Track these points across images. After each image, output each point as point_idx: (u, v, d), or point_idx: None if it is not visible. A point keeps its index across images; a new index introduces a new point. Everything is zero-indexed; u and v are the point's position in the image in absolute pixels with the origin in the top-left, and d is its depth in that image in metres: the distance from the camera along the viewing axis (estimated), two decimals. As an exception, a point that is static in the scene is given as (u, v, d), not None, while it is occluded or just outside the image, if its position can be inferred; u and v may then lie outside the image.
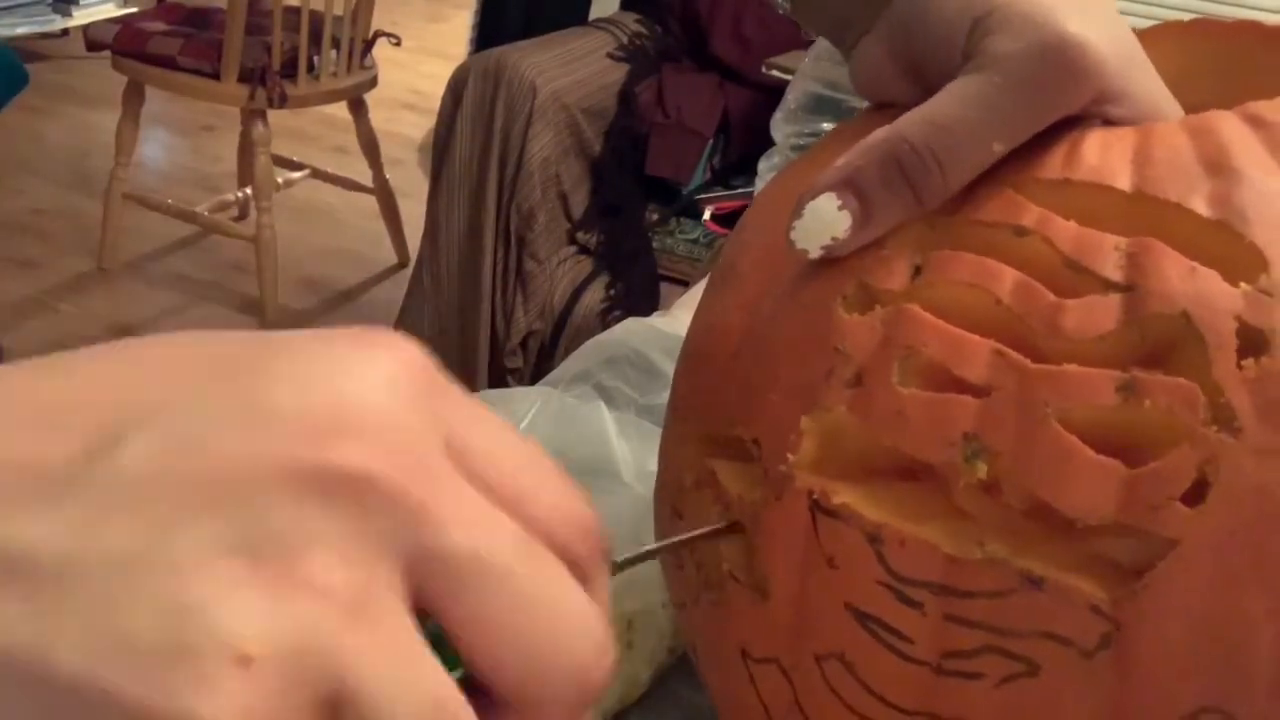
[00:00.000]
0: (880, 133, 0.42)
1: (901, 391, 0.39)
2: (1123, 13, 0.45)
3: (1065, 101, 0.42)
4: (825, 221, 0.42)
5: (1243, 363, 0.35)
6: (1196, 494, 0.35)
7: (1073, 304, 0.38)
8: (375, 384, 0.26)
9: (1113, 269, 0.38)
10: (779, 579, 0.42)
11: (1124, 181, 0.40)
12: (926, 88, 0.43)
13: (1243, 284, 0.36)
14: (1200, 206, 0.38)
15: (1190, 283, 0.37)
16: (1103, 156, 0.41)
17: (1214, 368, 0.35)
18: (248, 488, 0.24)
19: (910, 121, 0.42)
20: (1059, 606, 0.36)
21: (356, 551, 0.24)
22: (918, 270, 0.41)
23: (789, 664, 0.43)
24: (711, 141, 2.72)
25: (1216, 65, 0.55)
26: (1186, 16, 0.59)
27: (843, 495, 0.40)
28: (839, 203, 0.42)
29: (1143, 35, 0.54)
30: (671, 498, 0.49)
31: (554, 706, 0.26)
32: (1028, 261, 0.39)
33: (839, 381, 0.41)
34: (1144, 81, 0.45)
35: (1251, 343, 0.36)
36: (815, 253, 0.43)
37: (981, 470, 0.37)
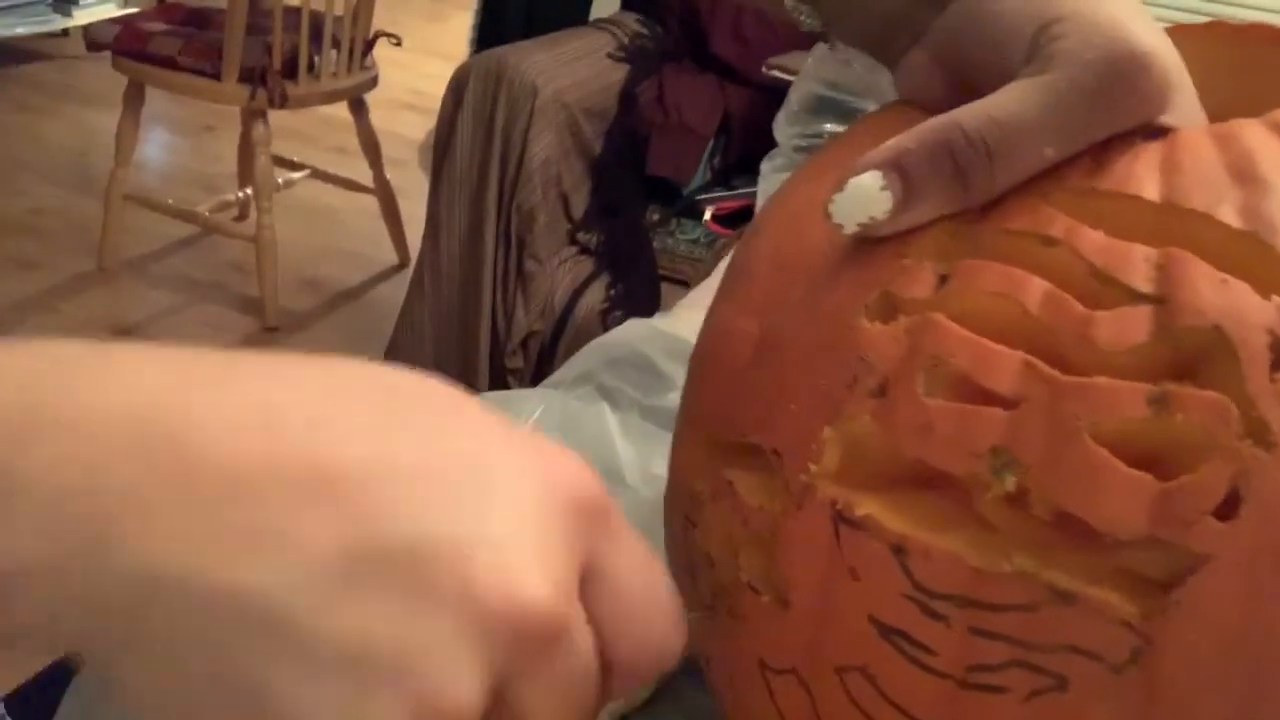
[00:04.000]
0: (936, 120, 0.42)
1: (928, 403, 0.39)
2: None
3: (1129, 115, 0.41)
4: (866, 198, 0.41)
5: (1276, 376, 0.35)
6: (1229, 508, 0.35)
7: (1103, 315, 0.37)
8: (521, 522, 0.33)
9: (1142, 280, 0.37)
10: (800, 590, 0.42)
11: (1152, 191, 0.40)
12: (976, 94, 0.42)
13: (1275, 296, 0.36)
14: (1229, 217, 0.38)
15: (1221, 295, 0.36)
16: (1130, 165, 0.41)
17: (1247, 381, 0.35)
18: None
19: (968, 112, 0.41)
20: (1088, 621, 0.36)
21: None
22: (943, 279, 0.40)
23: (809, 676, 0.43)
24: (712, 142, 2.72)
25: (1231, 68, 0.54)
26: (1196, 18, 0.58)
27: (866, 506, 0.40)
28: (883, 182, 0.41)
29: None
30: (685, 507, 0.49)
31: None
32: (1055, 272, 0.39)
33: (863, 391, 0.40)
34: (1187, 97, 0.44)
35: (1285, 356, 0.35)
36: (850, 229, 0.42)
37: (1010, 483, 0.37)
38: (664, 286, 2.63)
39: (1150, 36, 0.41)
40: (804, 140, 1.69)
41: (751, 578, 0.44)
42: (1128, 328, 0.37)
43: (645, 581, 0.36)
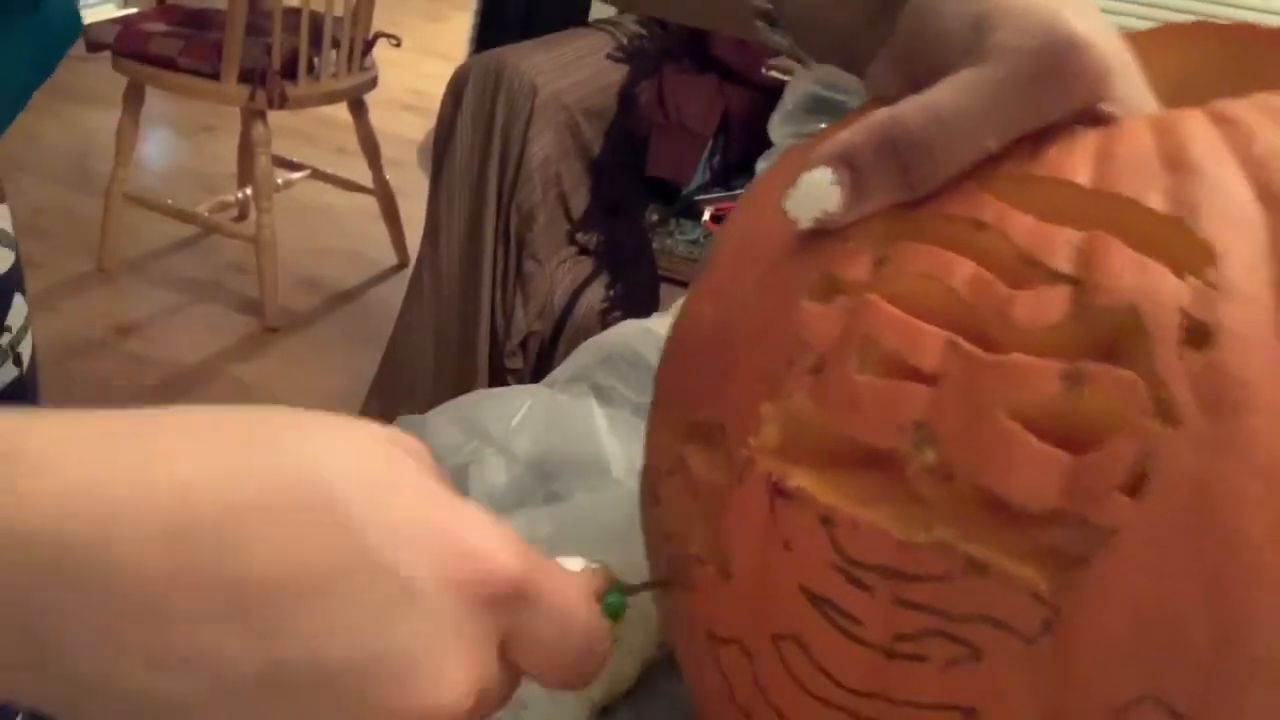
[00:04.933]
0: (881, 113, 0.43)
1: (857, 379, 0.40)
2: (1118, 13, 0.45)
3: (1066, 101, 0.42)
4: (818, 193, 0.43)
5: (1185, 355, 0.36)
6: (1137, 485, 0.35)
7: (1022, 295, 0.38)
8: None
9: (1063, 262, 0.38)
10: (740, 560, 0.43)
11: (1084, 177, 0.40)
12: None
13: (1190, 277, 0.37)
14: (1156, 202, 0.39)
15: (1138, 276, 0.37)
16: (1066, 152, 0.41)
17: (1156, 360, 0.36)
18: None
19: (910, 105, 0.42)
20: (1000, 592, 0.37)
21: None
22: (881, 262, 0.42)
23: (751, 645, 0.44)
24: (711, 142, 2.72)
25: (1217, 68, 0.55)
26: (1183, 17, 0.59)
27: (799, 478, 0.41)
28: (833, 177, 0.42)
29: (1142, 37, 0.55)
30: (650, 483, 0.50)
31: None
32: (985, 255, 0.40)
33: (800, 369, 0.41)
34: (1132, 83, 0.45)
35: (1196, 336, 0.36)
36: (806, 223, 0.43)
37: (930, 456, 0.38)
38: (663, 287, 2.63)
39: (1085, 23, 0.41)
40: (800, 140, 1.69)
41: (700, 550, 0.45)
42: (1045, 307, 0.38)
43: (562, 630, 0.39)
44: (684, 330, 0.50)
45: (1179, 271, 0.37)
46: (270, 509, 0.33)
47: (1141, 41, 0.47)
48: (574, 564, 0.43)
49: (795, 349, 0.42)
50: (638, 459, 0.83)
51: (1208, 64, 0.55)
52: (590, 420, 0.84)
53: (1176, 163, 0.40)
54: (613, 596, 0.43)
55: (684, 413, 0.48)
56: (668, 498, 0.48)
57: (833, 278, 0.42)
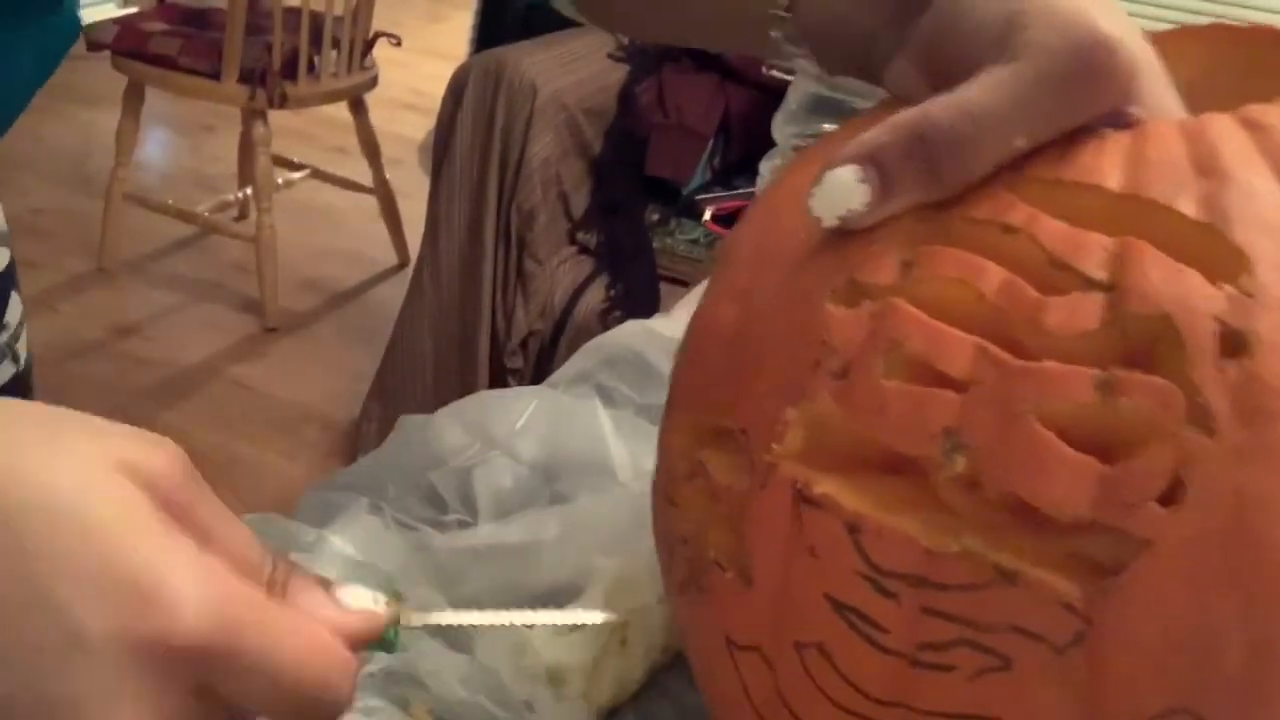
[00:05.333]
0: (908, 112, 0.42)
1: (884, 385, 0.39)
2: (1134, 14, 0.45)
3: (1096, 101, 0.42)
4: (844, 191, 0.42)
5: (1222, 364, 0.35)
6: (1173, 495, 0.35)
7: (1055, 301, 0.38)
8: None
9: (1096, 268, 0.38)
10: (762, 567, 0.43)
11: (1114, 182, 0.40)
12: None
13: (1224, 285, 0.36)
14: (1188, 208, 0.38)
15: (1173, 283, 0.37)
16: (1096, 156, 0.41)
17: (1192, 368, 0.35)
18: None
19: (939, 104, 0.42)
20: (1031, 602, 0.36)
21: None
22: (908, 266, 0.41)
23: (771, 652, 0.44)
24: (712, 142, 2.72)
25: (1234, 70, 0.54)
26: (1197, 19, 0.58)
27: (825, 485, 0.41)
28: (860, 175, 0.42)
29: (1160, 39, 0.54)
30: (665, 487, 0.50)
31: None
32: (1015, 259, 0.39)
33: (825, 374, 0.41)
34: (1158, 86, 0.45)
35: (1231, 344, 0.36)
36: (830, 221, 0.43)
37: (960, 464, 0.38)
38: (663, 286, 2.63)
39: (1114, 24, 0.41)
40: (803, 140, 1.69)
41: (719, 555, 0.45)
42: (1079, 313, 0.37)
43: (272, 681, 0.36)
44: (702, 333, 0.50)
45: (1213, 279, 0.37)
46: None
47: (1157, 43, 0.47)
48: (358, 597, 0.40)
49: (820, 353, 0.41)
50: (644, 462, 0.84)
51: (1224, 66, 0.55)
52: (596, 421, 0.83)
53: (1208, 168, 0.39)
54: (389, 633, 0.41)
55: (704, 416, 0.47)
56: (685, 502, 0.48)
57: (858, 282, 0.42)
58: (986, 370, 0.38)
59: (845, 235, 0.43)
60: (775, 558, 0.42)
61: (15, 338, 0.75)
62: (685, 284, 2.18)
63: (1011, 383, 0.37)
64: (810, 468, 0.41)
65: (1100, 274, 0.38)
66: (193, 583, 0.34)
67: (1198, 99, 0.47)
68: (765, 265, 0.47)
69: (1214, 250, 0.37)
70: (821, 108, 1.74)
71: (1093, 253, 0.38)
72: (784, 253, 0.46)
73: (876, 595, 0.39)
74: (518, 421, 0.83)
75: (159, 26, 3.01)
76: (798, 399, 0.42)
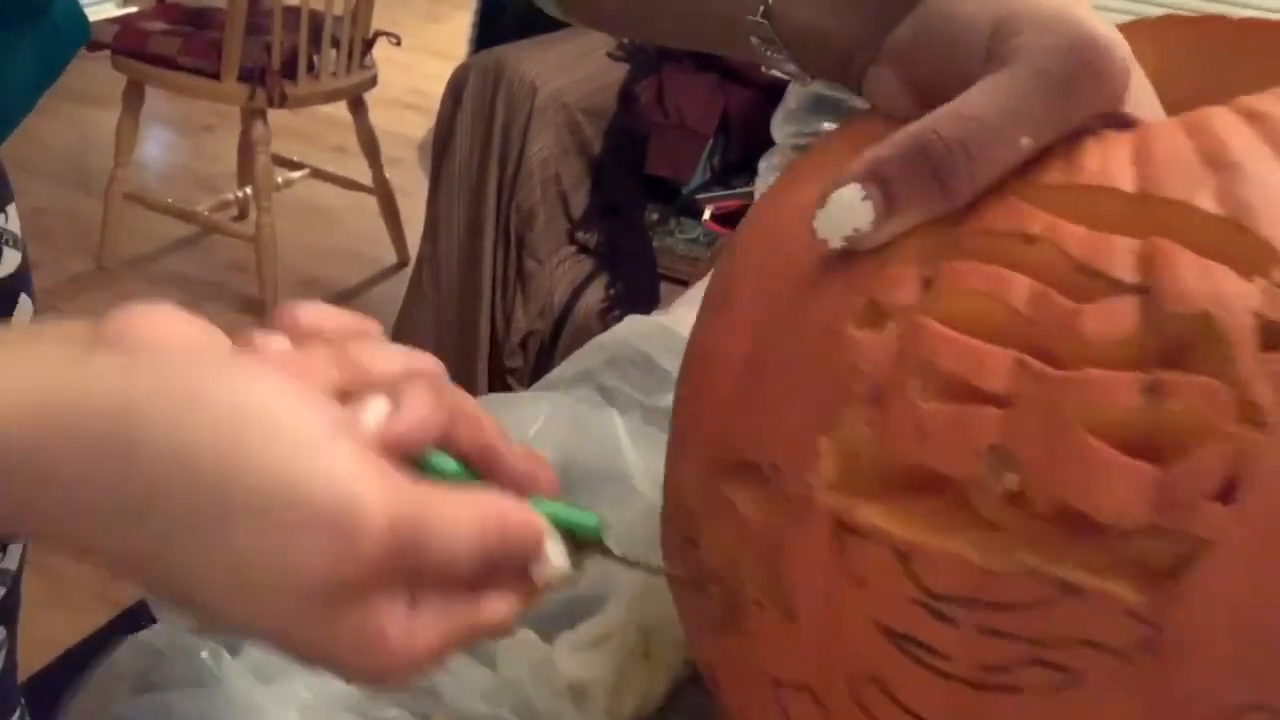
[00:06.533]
0: (910, 126, 0.42)
1: (922, 406, 0.39)
2: (1130, 11, 0.45)
3: (1095, 101, 0.42)
4: (848, 211, 0.41)
5: (1263, 358, 0.35)
6: (1228, 491, 0.35)
7: (1091, 308, 0.37)
8: None
9: (1126, 271, 0.37)
10: (806, 601, 0.42)
11: (1128, 183, 0.40)
12: (941, 100, 0.43)
13: (1257, 278, 0.36)
14: (1207, 203, 0.38)
15: (1206, 280, 0.36)
16: (1104, 159, 0.41)
17: (1237, 364, 0.35)
18: None
19: (940, 115, 0.41)
20: (1096, 613, 0.36)
21: None
22: (928, 283, 0.40)
23: (820, 689, 0.43)
24: (711, 141, 2.71)
25: (1190, 60, 0.54)
26: (1158, 12, 0.58)
27: (867, 513, 0.40)
28: (863, 193, 0.41)
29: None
30: (684, 528, 0.49)
31: None
32: (1038, 268, 0.39)
33: (856, 400, 0.40)
34: (1139, 84, 0.45)
35: (1272, 337, 0.35)
36: (836, 243, 0.42)
37: (1012, 481, 0.37)
38: (663, 286, 2.62)
39: (1102, 24, 0.41)
40: (802, 139, 1.68)
41: (756, 593, 0.44)
42: (1116, 319, 0.37)
43: (469, 533, 0.38)
44: (707, 366, 0.48)
45: (1244, 273, 0.36)
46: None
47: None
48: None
49: (849, 379, 0.40)
50: (659, 469, 0.82)
51: (1182, 57, 0.54)
52: (612, 430, 0.82)
53: (1219, 162, 0.39)
54: (436, 458, 0.40)
55: (722, 452, 0.46)
56: (711, 541, 0.46)
57: (878, 302, 0.41)
58: (1028, 383, 0.37)
59: (854, 257, 0.43)
60: (818, 591, 0.41)
61: None
62: (685, 283, 2.17)
63: (1056, 394, 0.36)
64: (846, 495, 0.41)
65: (1131, 277, 0.37)
66: (376, 500, 0.36)
67: (1158, 90, 0.47)
68: (769, 294, 0.46)
69: (1240, 244, 0.37)
70: (821, 107, 1.74)
71: (1120, 256, 0.38)
72: (790, 279, 0.45)
73: (933, 621, 0.38)
74: (531, 429, 0.82)
75: (159, 26, 3.00)
76: (829, 428, 0.41)
